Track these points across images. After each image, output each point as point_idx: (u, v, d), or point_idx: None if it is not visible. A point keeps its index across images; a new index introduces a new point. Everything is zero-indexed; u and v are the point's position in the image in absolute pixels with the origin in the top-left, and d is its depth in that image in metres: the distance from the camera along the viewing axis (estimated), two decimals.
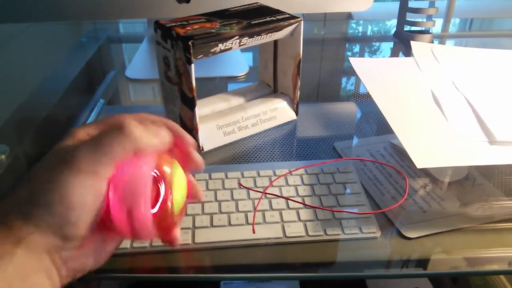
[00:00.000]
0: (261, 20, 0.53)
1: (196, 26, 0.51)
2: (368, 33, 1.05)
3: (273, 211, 0.46)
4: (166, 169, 0.32)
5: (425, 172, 0.51)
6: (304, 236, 0.43)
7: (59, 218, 0.28)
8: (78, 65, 0.82)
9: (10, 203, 0.29)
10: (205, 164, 0.53)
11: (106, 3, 0.69)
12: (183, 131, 0.35)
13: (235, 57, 0.82)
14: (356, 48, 0.95)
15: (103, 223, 0.30)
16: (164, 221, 0.32)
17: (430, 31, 0.87)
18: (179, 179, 0.33)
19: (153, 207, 0.31)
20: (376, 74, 0.68)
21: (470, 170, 0.52)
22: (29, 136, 0.61)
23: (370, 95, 0.61)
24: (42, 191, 0.28)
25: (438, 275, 0.43)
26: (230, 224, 0.44)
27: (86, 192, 0.28)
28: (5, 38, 0.79)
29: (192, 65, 0.49)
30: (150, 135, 0.31)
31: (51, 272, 0.29)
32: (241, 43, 0.51)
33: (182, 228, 0.43)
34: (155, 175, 0.31)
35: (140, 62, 0.81)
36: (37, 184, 0.29)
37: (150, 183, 0.30)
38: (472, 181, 0.50)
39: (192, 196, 0.36)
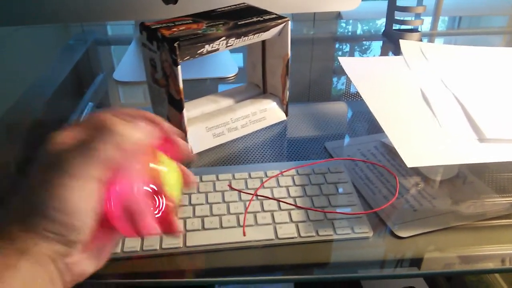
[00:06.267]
0: (248, 21, 0.53)
1: (182, 27, 0.51)
2: (358, 32, 1.05)
3: (265, 212, 0.45)
4: (161, 168, 0.32)
5: (416, 171, 0.51)
6: (296, 237, 0.42)
7: (61, 226, 0.28)
8: (67, 68, 0.81)
9: (9, 214, 0.28)
10: (195, 166, 0.53)
11: (93, 6, 0.68)
12: (162, 120, 0.34)
13: (225, 58, 0.82)
14: (346, 48, 0.95)
15: (103, 225, 0.30)
16: (167, 219, 0.32)
17: (419, 30, 0.87)
18: (173, 174, 0.33)
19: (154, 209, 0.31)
20: (366, 73, 0.68)
21: (460, 168, 0.52)
22: (17, 140, 0.60)
23: (360, 95, 0.61)
24: (42, 200, 0.28)
25: (433, 275, 0.43)
26: (221, 227, 0.44)
27: (86, 197, 0.28)
28: None
29: (179, 67, 0.48)
30: (136, 131, 0.30)
31: (56, 279, 0.29)
32: (228, 44, 0.51)
33: None
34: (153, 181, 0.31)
35: (128, 64, 0.80)
36: (35, 193, 0.28)
37: (144, 194, 0.30)
38: (463, 179, 0.50)
39: (185, 185, 0.35)
